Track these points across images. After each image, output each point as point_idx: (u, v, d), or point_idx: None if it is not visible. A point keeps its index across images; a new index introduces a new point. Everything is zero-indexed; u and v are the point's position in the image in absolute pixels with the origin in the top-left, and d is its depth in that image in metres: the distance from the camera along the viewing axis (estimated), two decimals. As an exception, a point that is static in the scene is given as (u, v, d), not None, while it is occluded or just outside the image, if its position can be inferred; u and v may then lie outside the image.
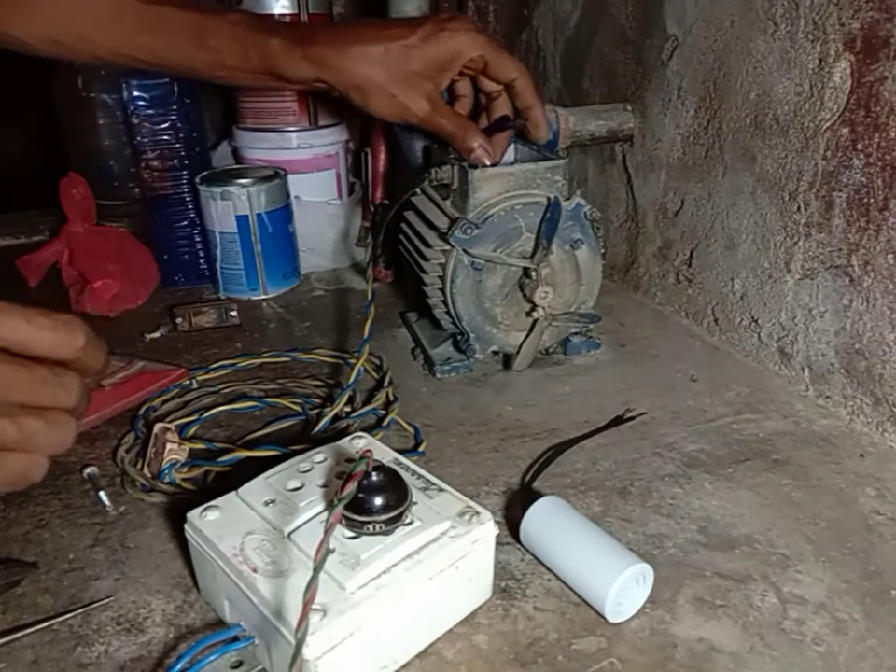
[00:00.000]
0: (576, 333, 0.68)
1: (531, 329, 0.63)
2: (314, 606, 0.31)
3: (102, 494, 0.50)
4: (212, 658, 0.35)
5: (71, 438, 0.34)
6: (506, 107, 0.62)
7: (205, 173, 0.83)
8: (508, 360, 0.66)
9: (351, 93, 0.56)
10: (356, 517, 0.36)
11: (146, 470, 0.52)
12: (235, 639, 0.36)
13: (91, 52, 0.57)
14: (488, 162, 0.59)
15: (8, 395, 0.32)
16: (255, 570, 0.36)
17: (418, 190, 0.66)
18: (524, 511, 0.44)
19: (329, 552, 0.32)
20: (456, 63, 0.57)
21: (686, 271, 0.74)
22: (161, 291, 0.86)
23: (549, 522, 0.43)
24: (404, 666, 0.37)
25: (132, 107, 0.81)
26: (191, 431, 0.58)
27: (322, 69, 0.56)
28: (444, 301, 0.63)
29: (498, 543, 0.41)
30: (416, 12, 0.80)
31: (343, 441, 0.46)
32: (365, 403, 0.60)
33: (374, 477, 0.36)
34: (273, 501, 0.40)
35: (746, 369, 0.66)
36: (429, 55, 0.55)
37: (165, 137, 0.83)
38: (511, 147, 0.66)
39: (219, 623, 0.40)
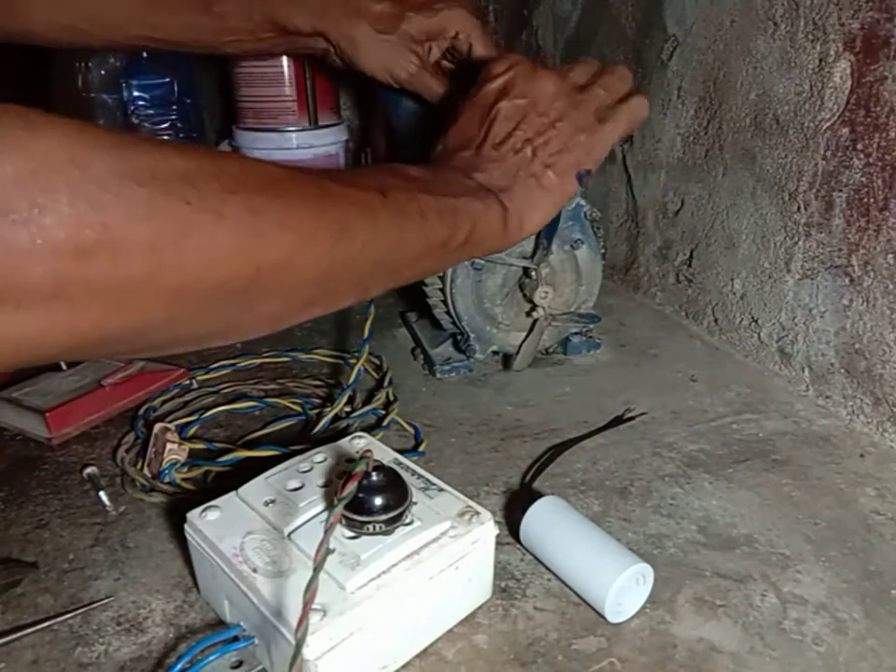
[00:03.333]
0: (576, 333, 0.68)
1: (531, 329, 0.63)
2: (313, 606, 0.31)
3: (102, 494, 0.50)
4: (212, 658, 0.35)
5: (627, 73, 0.54)
6: None
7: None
8: (508, 360, 0.66)
9: (343, 44, 0.58)
10: (356, 517, 0.36)
11: (146, 470, 0.52)
12: (235, 639, 0.36)
13: (106, 36, 0.57)
14: None
15: (582, 79, 0.52)
16: (255, 570, 0.36)
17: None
18: (524, 510, 0.44)
19: (329, 552, 0.32)
20: (444, 36, 0.58)
21: (686, 271, 0.74)
22: (161, 291, 0.86)
23: (549, 522, 0.43)
24: (404, 666, 0.37)
25: (132, 107, 0.82)
26: (191, 431, 0.58)
27: (320, 18, 0.57)
28: (444, 301, 0.63)
29: (498, 543, 0.41)
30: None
31: (343, 441, 0.46)
32: (365, 403, 0.60)
33: (374, 477, 0.36)
34: (273, 501, 0.40)
35: (746, 369, 0.66)
36: (423, 23, 0.57)
37: (165, 138, 0.83)
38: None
39: (219, 623, 0.40)
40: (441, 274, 0.62)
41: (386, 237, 0.38)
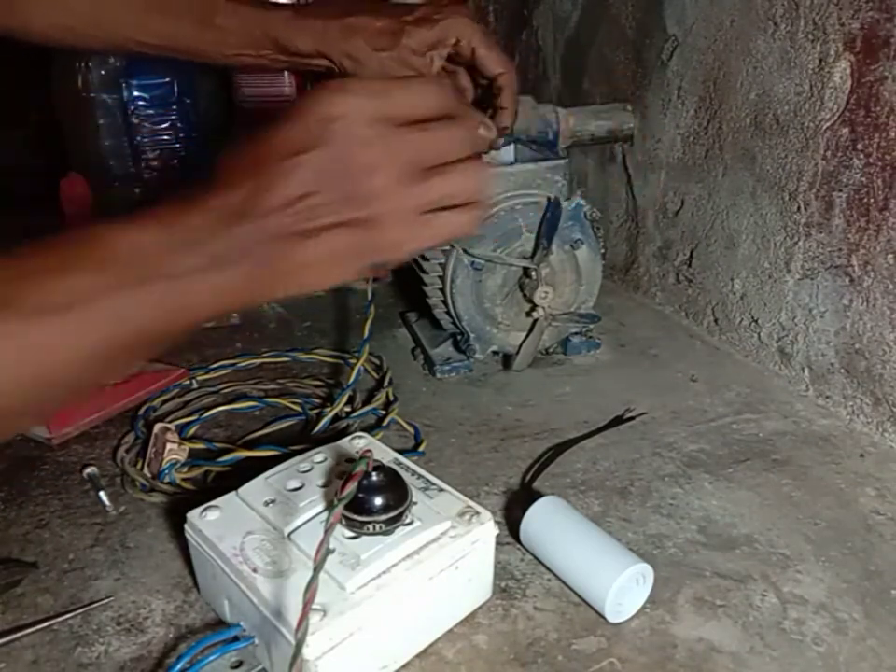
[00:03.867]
0: (576, 333, 0.68)
1: (531, 329, 0.63)
2: (314, 606, 0.31)
3: (102, 494, 0.50)
4: (212, 658, 0.35)
5: (485, 174, 0.40)
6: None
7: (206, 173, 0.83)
8: (508, 360, 0.66)
9: (344, 63, 0.58)
10: (356, 517, 0.36)
11: (146, 470, 0.52)
12: (235, 639, 0.36)
13: (102, 38, 0.57)
14: (492, 136, 0.59)
15: (424, 159, 0.37)
16: (255, 570, 0.36)
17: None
18: (523, 510, 0.44)
19: (329, 552, 0.32)
20: (445, 44, 0.58)
21: (686, 271, 0.74)
22: (161, 291, 0.86)
23: (549, 522, 0.43)
24: (404, 666, 0.37)
25: (132, 107, 0.81)
26: (191, 431, 0.58)
27: (320, 40, 0.57)
28: (444, 301, 0.63)
29: (498, 543, 0.41)
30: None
31: (343, 441, 0.46)
32: (365, 403, 0.60)
33: (374, 477, 0.36)
34: (273, 501, 0.40)
35: (746, 369, 0.66)
36: (423, 35, 0.57)
37: (165, 137, 0.83)
38: (511, 147, 0.66)
39: (219, 623, 0.40)
40: (441, 274, 0.62)
41: (86, 360, 0.33)
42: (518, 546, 0.45)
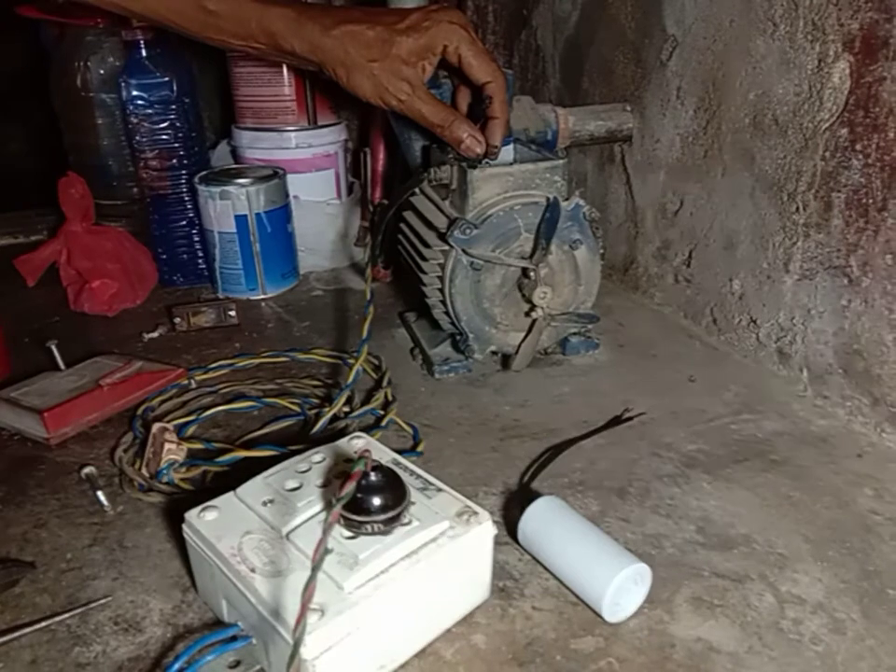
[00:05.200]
0: (575, 333, 0.68)
1: (530, 330, 0.63)
2: (312, 605, 0.31)
3: (100, 494, 0.50)
4: (210, 658, 0.35)
5: None
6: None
7: (204, 172, 0.83)
8: (506, 360, 0.66)
9: (337, 70, 0.58)
10: (354, 517, 0.36)
11: (144, 470, 0.52)
12: (233, 639, 0.36)
13: None
14: (479, 151, 0.59)
15: None
16: (253, 570, 0.36)
17: (417, 190, 0.66)
18: (522, 511, 0.44)
19: (328, 551, 0.32)
20: (434, 52, 0.57)
21: (685, 271, 0.74)
22: (160, 291, 0.86)
23: (547, 522, 0.43)
24: (402, 666, 0.37)
25: (131, 107, 0.81)
26: (190, 431, 0.58)
27: (317, 46, 0.57)
28: (443, 302, 0.63)
29: (497, 543, 0.41)
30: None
31: (342, 442, 0.46)
32: (363, 403, 0.60)
33: (373, 477, 0.36)
34: (271, 501, 0.40)
35: (744, 369, 0.66)
36: (412, 43, 0.57)
37: (164, 137, 0.83)
38: (510, 147, 0.66)
39: (217, 623, 0.40)
40: (440, 274, 0.62)
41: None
42: (516, 546, 0.45)
